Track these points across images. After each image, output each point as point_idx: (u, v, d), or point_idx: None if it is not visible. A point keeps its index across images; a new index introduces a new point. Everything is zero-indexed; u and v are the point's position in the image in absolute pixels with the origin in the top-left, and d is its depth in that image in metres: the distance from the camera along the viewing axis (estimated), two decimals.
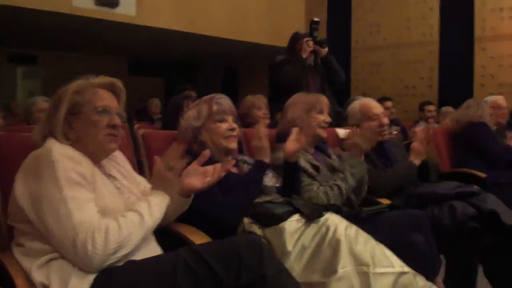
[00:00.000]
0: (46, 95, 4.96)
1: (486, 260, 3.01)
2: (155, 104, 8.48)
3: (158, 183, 1.88)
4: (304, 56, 4.68)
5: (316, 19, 4.93)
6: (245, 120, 4.25)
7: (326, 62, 4.84)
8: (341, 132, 3.49)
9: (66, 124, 1.79)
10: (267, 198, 2.31)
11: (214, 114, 2.46)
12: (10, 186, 1.71)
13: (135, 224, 1.68)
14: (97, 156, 1.84)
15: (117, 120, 1.85)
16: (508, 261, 2.90)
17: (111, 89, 1.92)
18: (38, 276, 1.60)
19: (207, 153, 1.96)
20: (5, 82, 11.22)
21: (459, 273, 3.04)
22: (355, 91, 7.49)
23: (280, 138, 2.77)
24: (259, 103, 4.45)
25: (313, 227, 2.07)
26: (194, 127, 2.46)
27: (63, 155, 1.67)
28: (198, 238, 2.01)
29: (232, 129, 2.47)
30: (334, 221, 2.07)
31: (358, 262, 1.95)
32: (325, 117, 2.89)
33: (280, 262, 1.75)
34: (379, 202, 2.89)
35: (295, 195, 2.38)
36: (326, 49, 4.80)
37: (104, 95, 1.87)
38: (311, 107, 2.87)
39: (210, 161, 2.18)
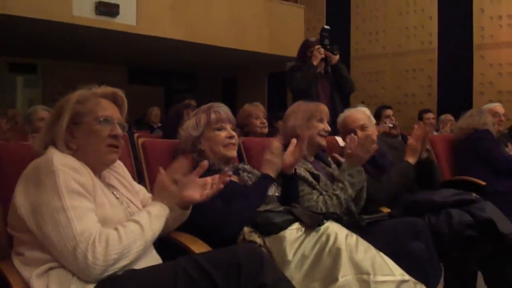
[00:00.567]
0: (46, 104, 4.97)
1: (485, 268, 3.00)
2: (155, 113, 8.50)
3: (159, 194, 1.88)
4: (314, 63, 4.70)
5: (326, 26, 4.96)
6: (244, 129, 4.26)
7: (337, 70, 4.86)
8: (340, 140, 3.49)
9: (68, 134, 1.79)
10: (267, 207, 2.31)
11: (212, 122, 2.47)
12: (10, 195, 1.71)
13: (135, 235, 1.68)
14: (98, 166, 1.84)
15: (118, 130, 1.86)
16: (506, 269, 2.89)
17: (113, 99, 1.93)
18: (37, 285, 1.59)
19: (205, 164, 1.96)
20: (5, 90, 11.25)
21: (459, 281, 3.03)
22: (355, 99, 7.47)
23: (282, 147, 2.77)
24: (256, 112, 4.45)
25: (313, 236, 2.06)
26: (193, 137, 2.46)
27: (64, 165, 1.67)
28: (198, 247, 2.00)
29: (231, 137, 2.48)
30: (334, 229, 2.06)
31: (359, 270, 1.94)
32: (324, 126, 2.89)
33: (280, 271, 1.75)
34: (379, 211, 2.88)
35: (295, 204, 2.37)
36: (337, 56, 4.82)
37: (106, 105, 1.87)
38: (311, 116, 2.87)
39: (210, 169, 2.18)
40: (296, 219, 2.16)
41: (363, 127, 3.17)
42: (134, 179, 2.19)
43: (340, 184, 2.68)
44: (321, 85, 4.88)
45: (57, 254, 1.59)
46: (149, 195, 2.12)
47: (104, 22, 8.04)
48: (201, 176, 1.97)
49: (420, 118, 7.49)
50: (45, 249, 1.62)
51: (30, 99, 11.44)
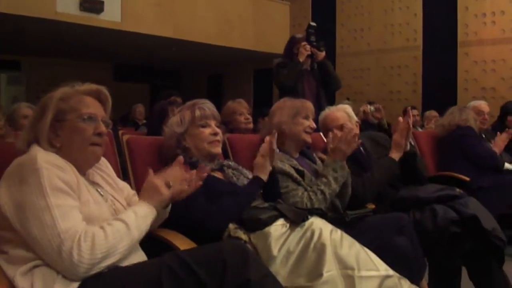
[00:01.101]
0: (30, 101, 4.93)
1: (469, 263, 3.03)
2: (139, 110, 8.46)
3: (147, 194, 1.85)
4: (301, 60, 4.71)
5: (312, 23, 4.96)
6: (228, 126, 4.26)
7: (323, 66, 4.87)
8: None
9: (52, 131, 1.78)
10: (252, 204, 2.31)
11: (197, 119, 2.46)
12: None
13: (121, 234, 1.67)
14: (82, 164, 1.83)
15: (102, 128, 1.85)
16: (490, 265, 2.92)
17: (97, 96, 1.92)
18: (21, 283, 1.58)
19: (180, 159, 1.95)
20: None
21: (443, 277, 3.05)
22: (340, 96, 7.52)
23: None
24: (240, 109, 4.45)
25: (298, 232, 2.08)
26: (178, 133, 2.46)
27: (47, 162, 1.66)
28: (183, 243, 2.00)
29: (216, 134, 2.48)
30: (319, 225, 2.08)
31: (343, 265, 1.96)
32: (310, 123, 2.90)
33: (265, 266, 1.75)
34: (363, 207, 2.90)
35: (280, 200, 2.38)
36: (323, 53, 4.83)
37: (90, 103, 1.86)
38: (296, 112, 2.88)
39: (195, 166, 2.18)
40: (281, 215, 2.17)
41: (342, 127, 3.17)
42: (118, 176, 2.18)
43: (324, 179, 2.69)
44: (307, 82, 4.89)
45: (41, 253, 1.59)
46: (133, 192, 2.12)
47: (89, 19, 7.98)
48: None
49: (405, 114, 7.53)
50: (30, 247, 1.61)
51: (14, 96, 11.34)
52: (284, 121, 2.85)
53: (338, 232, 2.07)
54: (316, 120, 3.24)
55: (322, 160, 2.96)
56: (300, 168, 2.77)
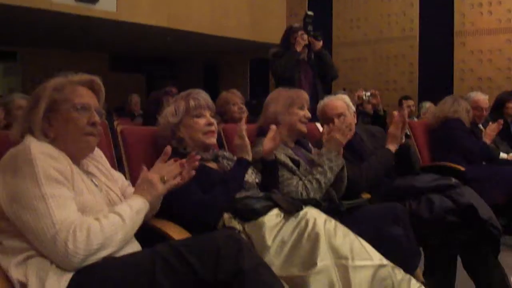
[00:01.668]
0: (26, 92, 4.90)
1: (464, 252, 3.04)
2: (135, 100, 8.41)
3: (143, 188, 1.86)
4: (298, 49, 4.70)
5: (309, 12, 4.95)
6: (223, 117, 4.26)
7: (320, 56, 4.86)
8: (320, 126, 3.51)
9: (45, 122, 1.78)
10: (247, 193, 2.32)
11: (191, 109, 2.46)
12: None
13: (117, 227, 1.68)
14: (76, 154, 1.84)
15: (96, 118, 1.85)
16: (485, 253, 2.93)
17: (90, 86, 1.92)
18: (15, 274, 1.58)
19: (168, 149, 1.95)
20: None
21: (438, 266, 3.07)
22: (336, 86, 7.50)
23: (262, 133, 2.78)
24: (233, 99, 4.44)
25: (292, 221, 2.08)
26: (172, 124, 2.46)
27: (41, 153, 1.67)
28: (177, 233, 2.01)
29: (210, 124, 2.48)
30: (313, 215, 2.08)
31: (337, 255, 1.96)
32: (305, 113, 2.90)
33: (259, 256, 1.76)
34: (359, 197, 2.90)
35: (275, 190, 2.39)
36: (321, 43, 4.82)
37: (83, 93, 1.86)
38: (292, 102, 2.89)
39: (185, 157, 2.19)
40: (275, 205, 2.18)
41: (341, 116, 3.17)
42: (113, 167, 2.19)
43: (319, 168, 2.70)
44: (304, 72, 4.89)
45: (36, 243, 1.59)
46: (127, 182, 2.12)
47: (84, 9, 7.93)
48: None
49: (400, 105, 7.53)
50: (24, 237, 1.61)
51: (10, 87, 11.29)
52: (279, 111, 2.85)
53: (332, 222, 2.08)
54: (313, 110, 3.25)
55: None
56: (296, 157, 2.78)
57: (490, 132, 4.50)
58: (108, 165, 2.06)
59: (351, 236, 2.06)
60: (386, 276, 1.98)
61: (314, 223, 2.03)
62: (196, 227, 2.07)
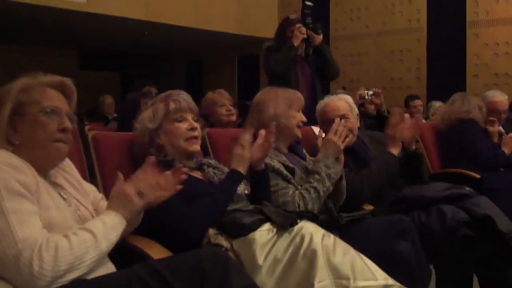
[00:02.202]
0: None
1: (482, 271, 3.05)
2: (108, 102, 8.41)
3: (117, 202, 1.84)
4: (295, 44, 4.70)
5: (308, 2, 4.93)
6: (209, 120, 4.26)
7: (320, 52, 4.86)
8: (317, 130, 3.52)
9: (10, 127, 1.77)
10: (235, 206, 2.32)
11: (171, 113, 2.46)
12: None
13: (88, 246, 1.66)
14: (43, 164, 1.83)
15: (67, 123, 1.85)
16: (505, 272, 2.94)
17: (61, 89, 1.92)
18: None
19: (151, 160, 1.95)
20: None
21: (451, 285, 3.07)
22: (335, 85, 7.52)
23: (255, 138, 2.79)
24: (221, 100, 4.43)
25: (286, 237, 2.08)
26: (150, 130, 2.45)
27: (2, 163, 1.66)
28: (157, 252, 2.01)
29: (193, 129, 2.47)
30: (309, 229, 2.08)
31: (337, 275, 1.96)
32: (302, 117, 2.92)
33: (248, 276, 1.76)
34: (360, 208, 2.91)
35: (266, 202, 2.39)
36: (321, 36, 4.82)
37: (53, 95, 1.86)
38: (291, 104, 2.90)
39: (171, 166, 2.18)
40: (267, 219, 2.18)
41: (343, 117, 3.19)
42: (84, 178, 2.18)
43: (317, 176, 2.70)
44: (301, 69, 4.88)
45: None
46: (100, 195, 2.12)
47: (50, 0, 7.93)
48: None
49: (407, 105, 7.55)
50: None
51: None
52: (280, 114, 2.84)
53: (331, 237, 2.08)
54: (312, 111, 3.26)
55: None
56: (290, 164, 2.78)
57: (510, 140, 4.44)
58: (78, 176, 2.05)
59: (352, 253, 2.06)
60: None
61: (311, 239, 2.03)
62: (178, 244, 2.06)
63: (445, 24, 9.13)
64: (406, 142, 3.26)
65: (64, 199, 1.87)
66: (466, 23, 8.97)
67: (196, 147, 2.50)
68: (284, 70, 4.65)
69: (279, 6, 10.97)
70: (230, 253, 2.06)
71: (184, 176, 1.96)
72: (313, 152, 2.98)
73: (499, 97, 4.86)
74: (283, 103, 2.89)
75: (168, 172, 1.95)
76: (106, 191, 2.25)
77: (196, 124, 2.49)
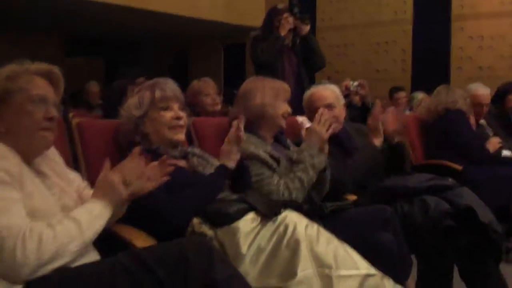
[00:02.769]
0: None
1: (462, 260, 3.07)
2: (93, 88, 8.33)
3: (103, 191, 1.85)
4: (282, 33, 4.70)
5: None
6: (194, 109, 4.25)
7: (307, 42, 4.86)
8: (302, 119, 3.53)
9: None
10: (219, 196, 2.33)
11: (157, 101, 2.46)
12: None
13: (72, 234, 1.67)
14: (29, 152, 1.83)
15: (54, 112, 1.84)
16: (485, 261, 2.97)
17: (48, 77, 1.91)
18: None
19: (136, 151, 1.95)
20: None
21: (433, 275, 3.09)
22: (320, 75, 7.50)
23: (251, 129, 2.80)
24: (206, 89, 4.43)
25: (270, 227, 2.09)
26: (136, 117, 2.45)
27: None
28: (141, 241, 2.01)
29: (178, 118, 2.48)
30: (293, 219, 2.10)
31: (320, 264, 1.98)
32: (288, 107, 2.92)
33: (232, 266, 1.77)
34: (343, 198, 2.93)
35: (250, 191, 2.39)
36: (308, 27, 4.83)
37: (40, 84, 1.86)
38: (277, 94, 2.90)
39: (155, 154, 2.19)
40: (251, 208, 2.19)
41: (329, 107, 3.20)
42: (68, 166, 2.17)
43: (301, 165, 2.71)
44: (288, 59, 4.89)
45: None
46: (84, 184, 2.12)
47: None
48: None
49: (391, 97, 7.57)
50: None
51: None
52: (267, 103, 2.85)
53: (315, 227, 2.10)
54: (299, 102, 3.27)
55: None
56: (276, 154, 2.79)
57: (495, 142, 4.48)
58: (62, 164, 2.05)
59: (335, 242, 2.08)
60: (375, 287, 2.01)
61: (294, 229, 2.05)
62: (162, 233, 2.07)
63: (430, 16, 9.15)
64: (389, 133, 3.28)
65: (49, 187, 1.87)
66: (451, 16, 8.99)
67: (181, 136, 2.50)
68: (271, 60, 4.66)
69: None
70: (214, 242, 2.08)
71: (170, 168, 1.97)
72: (298, 142, 3.00)
73: (482, 90, 4.88)
74: (270, 93, 2.89)
75: (154, 163, 1.95)
76: (91, 179, 2.24)
77: (181, 114, 2.49)
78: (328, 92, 3.33)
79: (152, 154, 2.18)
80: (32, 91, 1.81)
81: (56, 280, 1.60)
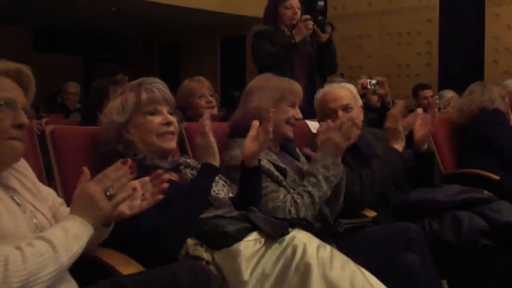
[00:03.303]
0: None
1: (501, 286, 3.07)
2: (70, 90, 8.34)
3: (81, 207, 1.80)
4: (297, 39, 4.62)
5: (321, 2, 4.91)
6: (186, 113, 4.24)
7: (325, 50, 4.84)
8: (313, 125, 3.52)
9: None
10: (217, 212, 2.32)
11: (143, 104, 2.45)
12: None
13: (45, 258, 1.65)
14: None
15: (24, 118, 1.84)
16: None
17: (16, 78, 1.91)
18: None
19: (124, 161, 1.92)
20: None
21: None
22: None
23: (237, 132, 2.78)
24: (200, 90, 4.41)
25: (276, 249, 2.09)
26: (118, 123, 2.44)
27: None
28: (127, 267, 2.00)
29: (168, 124, 2.47)
30: (302, 240, 2.09)
31: None
32: (295, 112, 2.91)
33: None
34: (361, 214, 2.93)
35: (253, 207, 2.39)
36: (327, 36, 4.78)
37: (7, 86, 1.85)
38: (282, 97, 2.89)
39: (141, 165, 2.18)
40: (254, 227, 2.19)
41: (346, 108, 3.20)
42: (41, 180, 2.17)
43: (312, 179, 2.71)
44: (298, 61, 4.84)
45: None
46: (60, 200, 2.11)
47: None
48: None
49: (415, 96, 7.56)
50: None
51: None
52: (264, 106, 2.80)
53: (327, 249, 2.10)
54: (310, 105, 3.26)
55: (308, 158, 2.97)
56: (282, 165, 2.79)
57: None
58: (34, 178, 2.05)
59: (352, 266, 2.08)
60: None
61: (304, 251, 2.05)
62: (150, 257, 2.07)
63: (460, 2, 9.15)
64: (418, 140, 3.27)
65: (18, 204, 1.86)
66: (484, 1, 8.99)
67: (172, 144, 2.49)
68: (275, 61, 4.58)
69: None
70: (211, 267, 2.07)
71: (166, 185, 1.93)
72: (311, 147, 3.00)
73: None
74: (270, 94, 2.89)
75: (146, 179, 1.94)
76: (67, 195, 2.24)
77: (171, 118, 2.48)
78: (344, 91, 3.32)
79: (139, 165, 2.17)
80: None
81: None
